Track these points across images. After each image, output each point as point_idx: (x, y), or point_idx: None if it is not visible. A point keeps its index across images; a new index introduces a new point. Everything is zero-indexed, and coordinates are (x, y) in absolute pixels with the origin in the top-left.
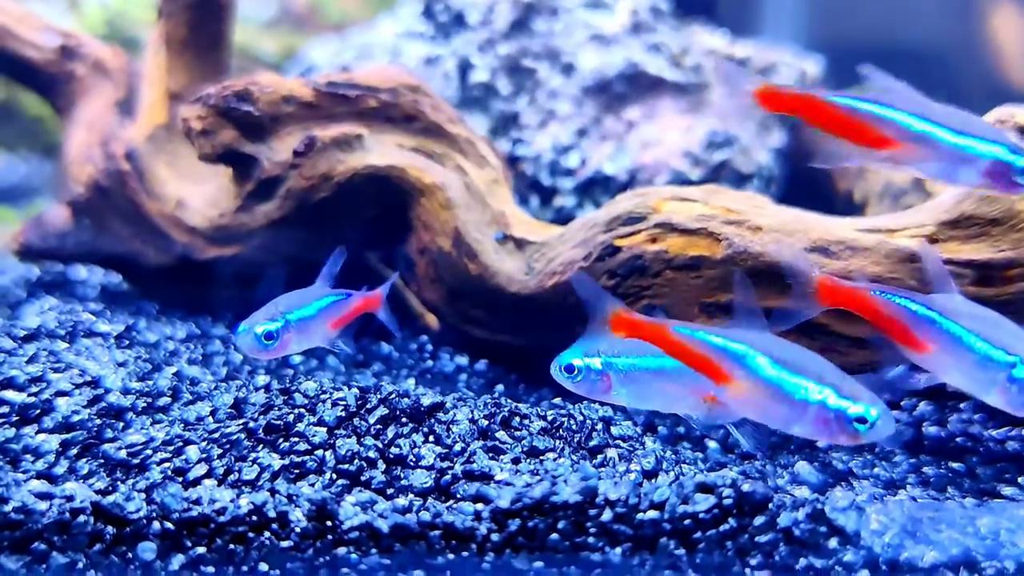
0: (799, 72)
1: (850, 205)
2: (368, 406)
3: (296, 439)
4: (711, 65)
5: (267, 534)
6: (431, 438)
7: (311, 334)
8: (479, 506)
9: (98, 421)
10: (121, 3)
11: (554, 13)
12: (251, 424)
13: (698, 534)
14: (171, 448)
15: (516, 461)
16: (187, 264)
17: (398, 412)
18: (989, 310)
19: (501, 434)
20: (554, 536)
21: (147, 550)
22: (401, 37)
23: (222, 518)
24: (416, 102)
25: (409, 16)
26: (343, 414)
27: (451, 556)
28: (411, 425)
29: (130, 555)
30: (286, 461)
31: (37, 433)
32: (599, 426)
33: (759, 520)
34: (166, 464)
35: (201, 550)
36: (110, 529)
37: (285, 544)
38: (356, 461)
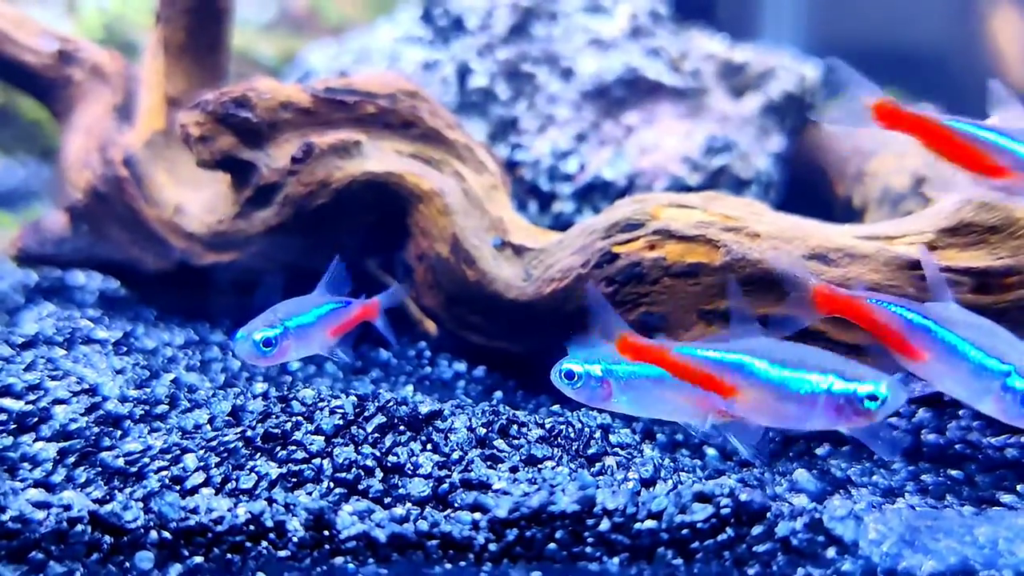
0: (798, 76)
1: (849, 210)
2: (366, 414)
3: (294, 447)
4: (710, 69)
5: (264, 544)
6: (429, 446)
7: (310, 341)
8: (477, 515)
9: (96, 429)
10: (119, 7)
11: (553, 18)
12: (249, 432)
13: (696, 544)
14: (169, 456)
15: (514, 470)
16: (185, 270)
17: (396, 420)
18: (984, 319)
19: (499, 442)
20: (552, 546)
21: (144, 560)
22: (400, 41)
23: (219, 527)
24: (414, 108)
25: (408, 20)
26: (341, 422)
27: (448, 566)
28: (409, 433)
29: (127, 565)
30: (283, 470)
31: (35, 441)
32: (597, 434)
33: (757, 530)
34: (163, 473)
35: (198, 560)
36: (107, 538)
37: (282, 554)
38: (354, 470)
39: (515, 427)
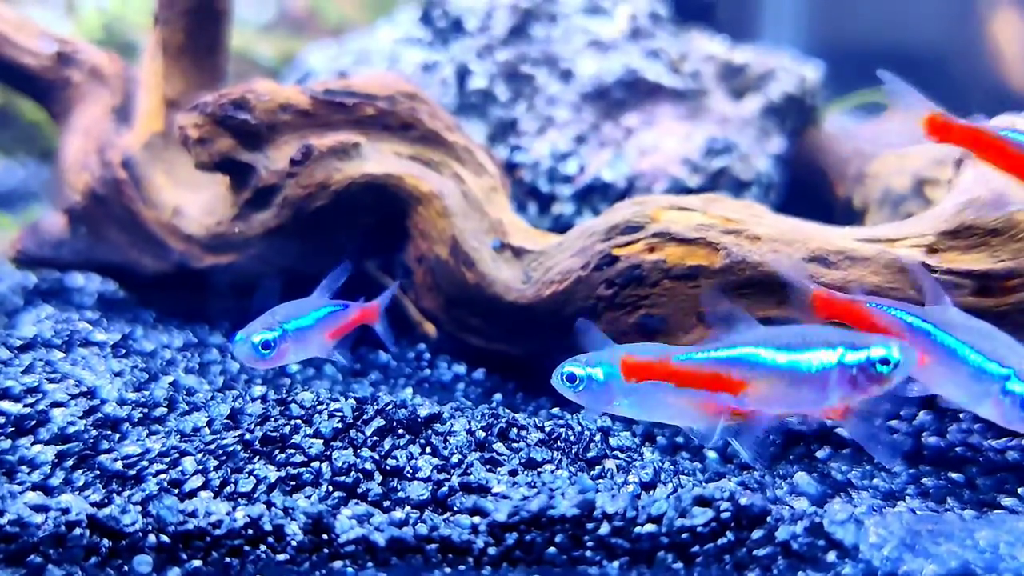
0: (798, 77)
1: (849, 211)
2: (365, 417)
3: (292, 451)
4: (710, 71)
5: (263, 547)
6: (428, 450)
7: (308, 344)
8: (476, 519)
9: (94, 432)
10: (119, 8)
11: (553, 19)
12: (247, 435)
13: (696, 548)
14: (167, 460)
15: (513, 473)
16: (184, 272)
17: (395, 423)
18: (983, 322)
19: (498, 445)
20: (551, 550)
21: (143, 563)
22: (399, 43)
23: (218, 531)
24: (413, 110)
25: (407, 22)
26: (339, 425)
27: (448, 570)
28: (408, 436)
29: (126, 568)
30: (282, 473)
31: (33, 444)
32: (597, 437)
33: (757, 534)
34: (162, 476)
35: (197, 563)
36: (106, 542)
37: (281, 557)
38: (352, 473)
39: (515, 430)
